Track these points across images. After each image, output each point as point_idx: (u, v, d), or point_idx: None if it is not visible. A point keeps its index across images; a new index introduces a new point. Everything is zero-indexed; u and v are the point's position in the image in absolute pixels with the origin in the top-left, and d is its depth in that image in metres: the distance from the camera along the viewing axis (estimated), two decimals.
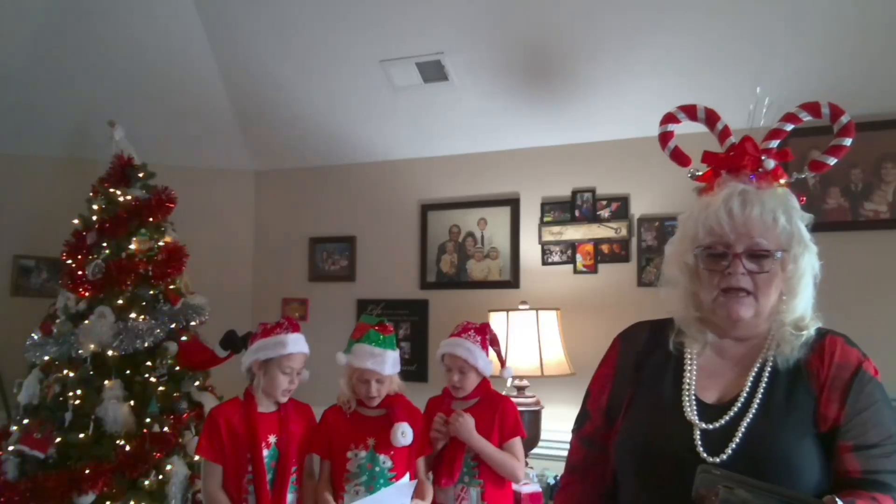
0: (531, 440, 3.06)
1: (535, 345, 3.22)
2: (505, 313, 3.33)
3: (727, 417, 1.34)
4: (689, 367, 1.44)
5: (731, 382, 1.41)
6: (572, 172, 3.66)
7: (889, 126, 3.07)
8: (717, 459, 1.29)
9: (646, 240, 3.47)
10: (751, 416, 1.33)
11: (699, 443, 1.32)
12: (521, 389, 3.21)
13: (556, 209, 3.68)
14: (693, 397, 1.40)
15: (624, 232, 3.51)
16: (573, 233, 3.62)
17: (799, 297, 1.41)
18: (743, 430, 1.31)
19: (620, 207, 3.54)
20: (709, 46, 3.10)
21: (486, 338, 2.48)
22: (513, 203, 3.79)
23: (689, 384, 1.42)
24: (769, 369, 1.38)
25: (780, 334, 1.40)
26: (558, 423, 3.35)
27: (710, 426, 1.34)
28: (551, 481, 3.14)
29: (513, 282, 3.74)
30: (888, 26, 2.86)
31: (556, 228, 3.66)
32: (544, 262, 3.68)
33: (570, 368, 3.25)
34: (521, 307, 3.35)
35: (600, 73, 3.34)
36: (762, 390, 1.35)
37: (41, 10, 3.57)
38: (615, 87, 3.36)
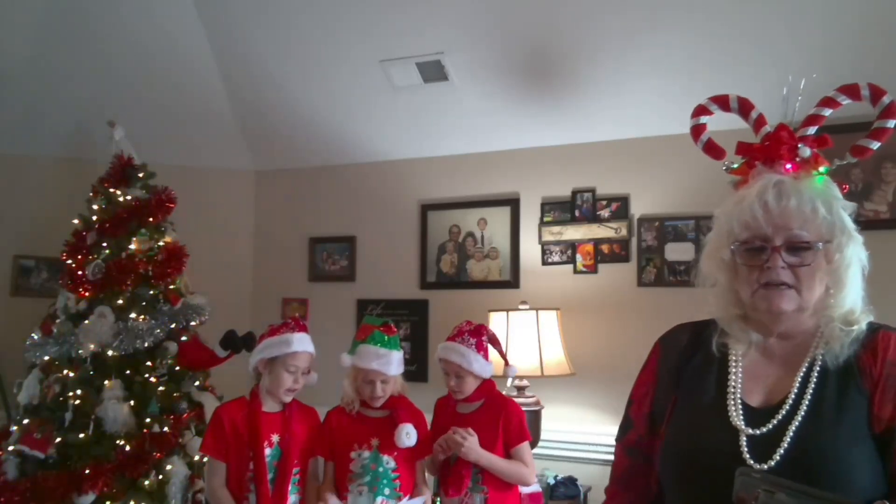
0: (531, 443, 3.05)
1: (535, 345, 3.22)
2: (505, 313, 3.33)
3: (774, 421, 1.27)
4: (733, 370, 1.37)
5: (777, 384, 1.34)
6: (572, 172, 3.66)
7: None
8: (765, 466, 1.23)
9: (646, 240, 3.47)
10: (799, 419, 1.26)
11: (745, 449, 1.26)
12: (521, 389, 3.21)
13: (556, 209, 3.68)
14: (738, 401, 1.33)
15: (624, 232, 3.51)
16: (573, 233, 3.62)
17: (846, 290, 1.35)
18: (791, 434, 1.25)
19: (620, 207, 3.54)
20: (708, 46, 3.10)
21: (483, 339, 2.45)
22: (513, 203, 3.79)
23: (734, 387, 1.35)
24: (818, 368, 1.30)
25: (828, 330, 1.33)
26: (558, 423, 3.35)
27: (757, 431, 1.28)
28: (551, 481, 3.14)
29: (513, 282, 3.75)
30: (887, 26, 2.86)
31: (556, 228, 3.66)
32: (544, 262, 3.68)
33: (570, 368, 3.26)
34: (521, 307, 3.35)
35: (600, 73, 3.34)
36: (811, 391, 1.28)
37: (41, 10, 3.57)
38: (615, 87, 3.35)
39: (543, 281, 3.66)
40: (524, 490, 2.54)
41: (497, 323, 3.32)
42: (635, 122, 3.43)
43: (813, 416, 1.26)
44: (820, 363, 1.31)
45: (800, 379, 1.31)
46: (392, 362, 2.37)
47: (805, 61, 3.01)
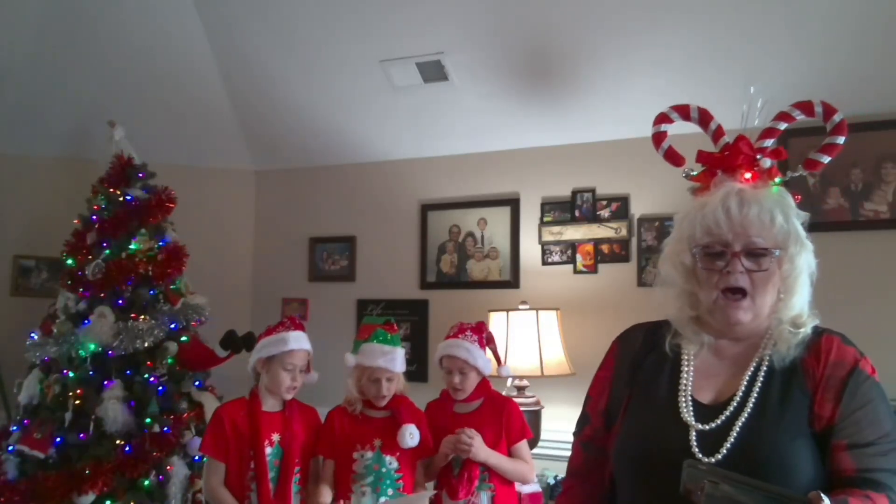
0: (531, 440, 3.05)
1: (535, 345, 3.22)
2: (505, 313, 3.33)
3: (722, 418, 1.35)
4: (685, 368, 1.44)
5: (726, 382, 1.41)
6: (572, 172, 3.66)
7: (889, 126, 3.07)
8: (713, 459, 1.29)
9: (646, 240, 3.47)
10: (745, 415, 1.33)
11: (695, 443, 1.33)
12: (521, 389, 3.21)
13: (556, 209, 3.68)
14: (689, 398, 1.40)
15: (624, 232, 3.51)
16: (573, 233, 3.62)
17: (796, 296, 1.41)
18: (737, 430, 1.32)
19: (620, 207, 3.54)
20: (709, 46, 3.10)
21: (483, 336, 2.47)
22: (513, 203, 3.79)
23: (685, 385, 1.42)
24: (765, 368, 1.38)
25: (777, 332, 1.40)
26: (558, 423, 3.35)
27: (706, 427, 1.34)
28: (551, 481, 3.14)
29: (513, 282, 3.74)
30: (887, 26, 2.86)
31: (556, 228, 3.66)
32: (544, 262, 3.68)
33: (570, 368, 3.25)
34: (521, 307, 3.35)
35: (600, 73, 3.34)
36: (757, 390, 1.36)
37: (41, 10, 3.57)
38: (615, 87, 3.36)
39: (543, 281, 3.66)
40: (524, 490, 2.54)
41: (497, 323, 3.32)
42: (635, 122, 3.42)
43: (758, 412, 1.33)
44: (767, 363, 1.39)
45: (747, 378, 1.38)
46: (397, 359, 2.38)
47: (806, 60, 3.01)
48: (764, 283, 1.39)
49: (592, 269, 3.57)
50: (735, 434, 1.31)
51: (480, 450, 2.30)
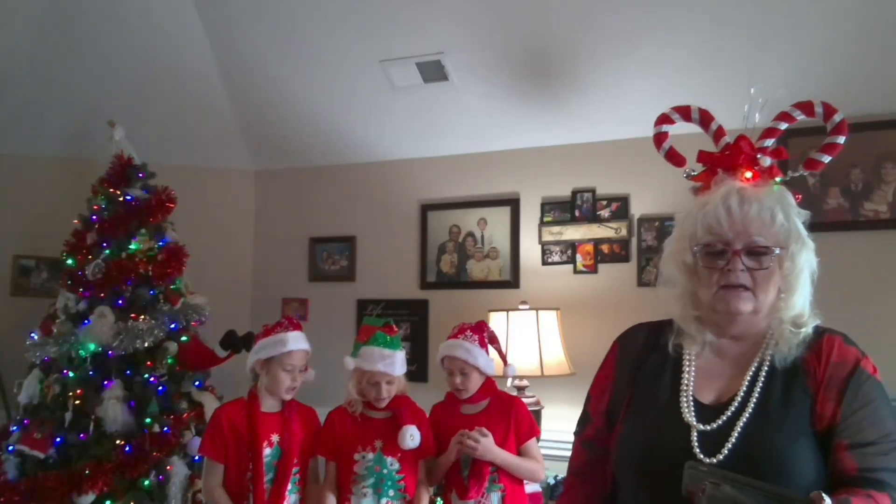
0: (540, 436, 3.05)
1: (535, 345, 3.22)
2: (505, 313, 3.33)
3: (724, 418, 1.34)
4: (687, 368, 1.44)
5: (728, 383, 1.41)
6: (572, 172, 3.66)
7: (889, 126, 3.07)
8: (714, 460, 1.29)
9: (646, 240, 3.47)
10: (747, 416, 1.33)
11: (696, 444, 1.33)
12: (521, 389, 3.21)
13: (556, 209, 3.68)
14: (691, 398, 1.40)
15: (624, 232, 3.51)
16: (573, 233, 3.62)
17: (797, 294, 1.41)
18: (739, 430, 1.32)
19: (620, 207, 3.54)
20: (708, 45, 3.10)
21: (484, 336, 2.46)
22: (513, 203, 3.79)
23: (686, 385, 1.42)
24: (766, 368, 1.38)
25: (778, 332, 1.40)
26: (558, 423, 3.35)
27: (707, 427, 1.34)
28: (551, 481, 3.14)
29: (513, 282, 3.74)
30: (887, 27, 2.86)
31: (556, 228, 3.66)
32: (544, 262, 3.68)
33: (570, 368, 3.26)
34: (521, 307, 3.35)
35: (600, 73, 3.34)
36: (759, 390, 1.36)
37: (41, 10, 3.57)
38: (615, 86, 3.36)
39: (543, 281, 3.66)
40: (525, 489, 2.54)
41: (497, 323, 3.32)
42: (635, 122, 3.42)
43: (759, 413, 1.33)
44: (768, 363, 1.39)
45: (749, 378, 1.38)
46: (396, 363, 2.37)
47: (806, 61, 3.01)
48: (765, 281, 1.38)
49: (592, 269, 3.57)
50: (736, 434, 1.31)
51: (488, 449, 2.30)
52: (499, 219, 3.81)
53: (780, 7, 2.91)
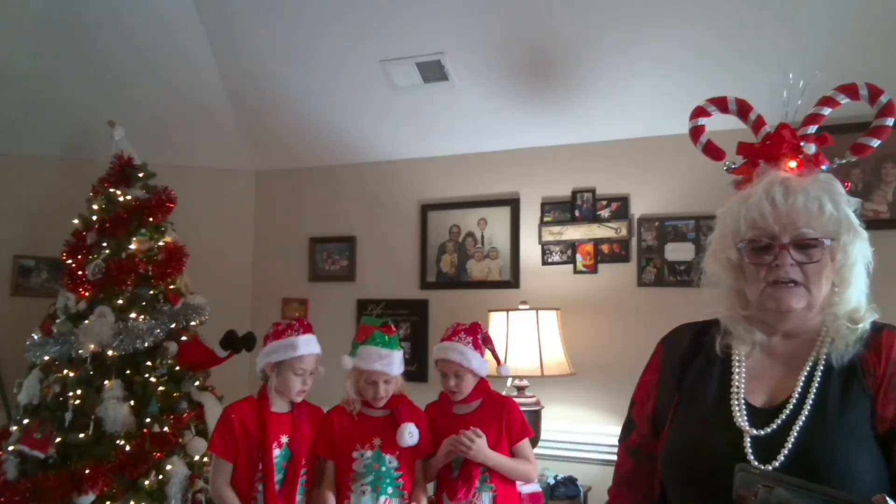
0: (532, 440, 3.06)
1: (535, 345, 3.22)
2: (505, 313, 3.33)
3: (778, 422, 1.27)
4: (736, 370, 1.37)
5: (781, 383, 1.33)
6: (572, 172, 3.66)
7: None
8: (769, 467, 1.22)
9: (646, 240, 3.47)
10: (803, 419, 1.25)
11: (749, 450, 1.25)
12: (521, 389, 3.21)
13: (556, 209, 3.68)
14: (742, 401, 1.33)
15: (624, 232, 3.51)
16: (573, 233, 3.62)
17: (852, 287, 1.34)
18: (795, 434, 1.24)
19: (620, 207, 3.54)
20: (709, 45, 3.10)
21: (478, 337, 2.46)
22: (513, 203, 3.79)
23: (737, 387, 1.34)
24: (822, 368, 1.30)
25: (833, 328, 1.32)
26: (558, 423, 3.35)
27: (761, 432, 1.27)
28: (551, 481, 3.14)
29: (513, 282, 3.74)
30: (892, 24, 2.86)
31: (556, 228, 3.66)
32: (544, 262, 3.68)
33: (570, 368, 3.25)
34: (521, 307, 3.35)
35: (600, 73, 3.34)
36: (815, 391, 1.27)
37: (41, 10, 3.57)
38: (615, 87, 3.35)
39: (543, 281, 3.66)
40: (524, 489, 2.54)
41: (497, 323, 3.32)
42: (635, 122, 3.43)
43: (816, 416, 1.25)
44: (824, 362, 1.30)
45: (803, 378, 1.30)
46: (394, 362, 2.37)
47: (808, 59, 3.00)
48: (817, 275, 1.31)
49: (592, 269, 3.57)
50: (793, 439, 1.23)
51: (480, 451, 2.30)
52: (499, 219, 3.81)
53: (782, 4, 2.90)
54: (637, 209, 3.52)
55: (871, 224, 3.23)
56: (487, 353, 2.50)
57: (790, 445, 1.23)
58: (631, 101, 3.37)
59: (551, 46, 3.32)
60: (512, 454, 2.38)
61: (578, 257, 3.60)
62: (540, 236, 3.70)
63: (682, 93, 3.06)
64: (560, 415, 3.39)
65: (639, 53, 3.19)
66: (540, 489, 2.77)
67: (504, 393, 3.00)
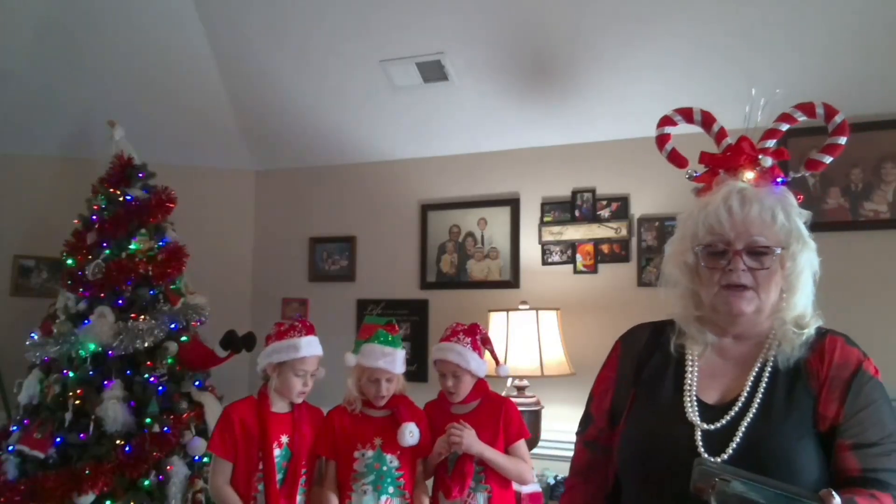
0: (531, 440, 3.05)
1: (535, 345, 3.22)
2: (505, 313, 3.33)
3: (727, 418, 1.35)
4: (690, 369, 1.45)
5: (731, 383, 1.42)
6: (572, 172, 3.66)
7: (889, 126, 3.07)
8: (718, 460, 1.30)
9: (646, 240, 3.47)
10: (751, 416, 1.34)
11: (700, 443, 1.33)
12: (521, 389, 3.21)
13: (556, 209, 3.68)
14: (694, 398, 1.41)
15: (624, 232, 3.51)
16: (573, 233, 3.62)
17: (799, 294, 1.42)
18: (743, 430, 1.32)
19: (620, 207, 3.54)
20: (709, 45, 3.10)
21: (477, 338, 2.46)
22: (513, 203, 3.79)
23: (690, 385, 1.43)
24: (770, 369, 1.39)
25: (781, 332, 1.41)
26: (558, 423, 3.35)
27: (711, 427, 1.35)
28: (551, 481, 3.14)
29: (513, 282, 3.74)
30: (888, 27, 2.86)
31: (556, 228, 3.66)
32: (544, 262, 3.68)
33: (570, 368, 3.25)
34: (521, 307, 3.35)
35: (600, 73, 3.34)
36: (762, 390, 1.36)
37: (41, 9, 3.57)
38: (615, 86, 3.36)
39: (543, 281, 3.66)
40: (524, 490, 2.54)
41: (497, 323, 3.32)
42: (635, 122, 3.42)
43: (763, 413, 1.34)
44: (772, 364, 1.40)
45: (752, 378, 1.39)
46: (397, 360, 2.39)
47: (807, 62, 3.01)
48: (766, 281, 1.39)
49: (592, 269, 3.57)
50: (741, 434, 1.32)
51: (473, 443, 2.30)
52: (499, 219, 3.81)
53: (780, 8, 2.91)
54: (637, 209, 3.52)
55: (871, 224, 3.27)
56: (487, 354, 2.51)
57: (738, 440, 1.32)
58: (631, 101, 3.37)
59: (551, 46, 3.32)
60: (508, 454, 2.39)
61: (578, 257, 3.60)
62: (540, 236, 3.70)
63: (682, 93, 3.06)
64: (560, 415, 3.38)
65: (639, 54, 3.19)
66: (540, 489, 2.77)
67: (504, 393, 3.01)
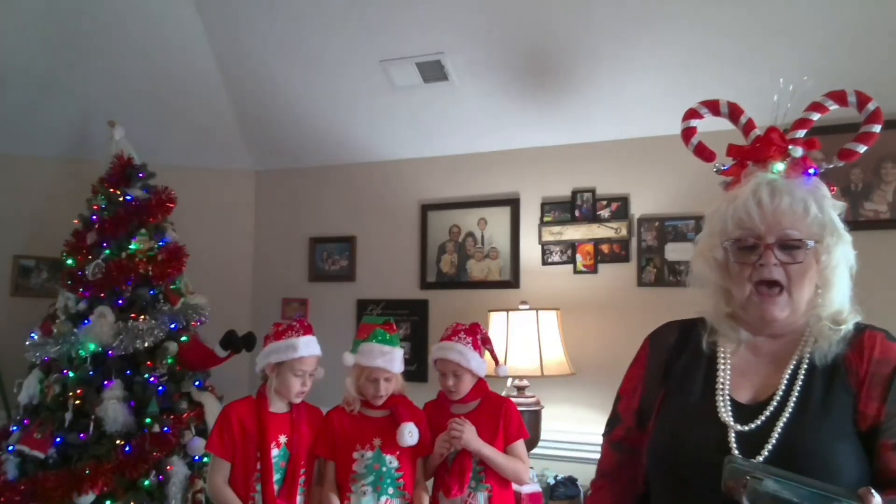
0: (531, 440, 3.05)
1: (535, 345, 3.22)
2: (505, 313, 3.33)
3: (762, 418, 1.29)
4: (721, 367, 1.39)
5: (765, 381, 1.36)
6: (572, 172, 3.66)
7: (889, 126, 3.05)
8: (754, 461, 1.24)
9: (646, 240, 3.47)
10: (787, 416, 1.28)
11: (734, 445, 1.28)
12: (521, 389, 3.21)
13: (556, 209, 3.68)
14: (727, 397, 1.35)
15: (624, 232, 3.51)
16: (573, 233, 3.62)
17: (835, 290, 1.36)
18: (779, 430, 1.26)
19: (620, 207, 3.54)
20: (709, 45, 3.10)
21: (478, 338, 2.47)
22: (513, 203, 3.79)
23: (722, 384, 1.37)
24: (805, 366, 1.32)
25: (817, 329, 1.34)
26: (558, 423, 3.35)
27: (745, 428, 1.29)
28: (551, 481, 3.14)
29: (513, 282, 3.74)
30: (889, 27, 2.86)
31: (556, 228, 3.66)
32: (544, 262, 3.68)
33: (570, 368, 3.25)
34: (521, 307, 3.35)
35: (600, 73, 3.33)
36: (798, 389, 1.30)
37: (41, 10, 3.57)
38: (615, 86, 3.35)
39: (543, 281, 3.66)
40: (524, 490, 2.55)
41: (497, 323, 3.32)
42: (635, 122, 3.42)
43: (800, 412, 1.28)
44: (808, 361, 1.33)
45: (787, 376, 1.33)
46: (395, 359, 2.39)
47: (806, 60, 3.01)
48: (800, 277, 1.33)
49: (592, 269, 3.57)
50: (777, 435, 1.26)
51: (473, 439, 2.31)
52: (499, 219, 3.81)
53: (780, 7, 2.90)
54: (637, 209, 3.52)
55: (871, 224, 3.26)
56: (487, 354, 2.51)
57: (774, 441, 1.26)
58: (631, 101, 3.37)
59: (551, 46, 3.32)
60: (507, 454, 2.39)
61: (578, 257, 3.60)
62: (540, 236, 3.70)
63: (682, 93, 3.05)
64: (560, 415, 3.39)
65: (638, 53, 3.19)
66: (540, 489, 2.78)
67: (504, 393, 3.01)
